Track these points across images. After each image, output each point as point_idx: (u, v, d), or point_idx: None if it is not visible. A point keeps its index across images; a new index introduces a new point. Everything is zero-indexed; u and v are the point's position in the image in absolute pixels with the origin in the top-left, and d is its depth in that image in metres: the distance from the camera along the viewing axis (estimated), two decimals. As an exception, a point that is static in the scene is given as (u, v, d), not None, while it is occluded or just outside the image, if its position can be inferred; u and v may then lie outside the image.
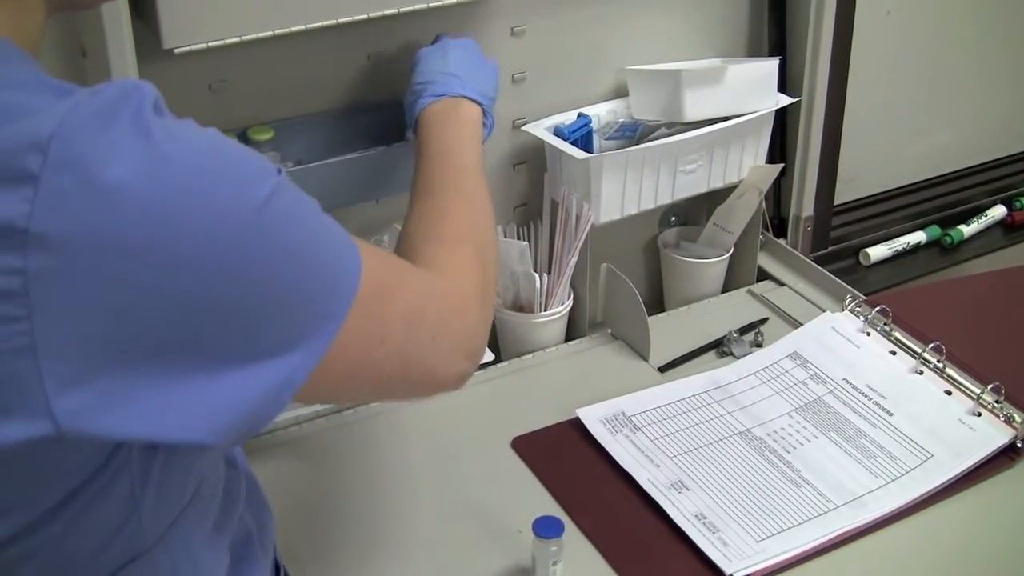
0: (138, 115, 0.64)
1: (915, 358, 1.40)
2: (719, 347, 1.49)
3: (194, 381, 0.67)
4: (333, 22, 1.22)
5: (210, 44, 1.16)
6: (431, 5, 1.27)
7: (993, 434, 1.27)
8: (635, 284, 1.46)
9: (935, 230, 1.99)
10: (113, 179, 0.62)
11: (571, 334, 1.55)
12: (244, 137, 1.31)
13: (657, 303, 1.73)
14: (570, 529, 1.15)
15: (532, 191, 1.58)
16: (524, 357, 1.47)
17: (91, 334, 0.63)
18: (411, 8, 1.27)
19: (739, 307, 1.61)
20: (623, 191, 1.48)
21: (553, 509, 1.19)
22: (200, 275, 0.66)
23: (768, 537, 1.15)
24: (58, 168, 0.61)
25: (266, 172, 0.71)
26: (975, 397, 1.32)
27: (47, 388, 0.62)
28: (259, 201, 0.69)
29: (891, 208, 2.02)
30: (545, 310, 1.48)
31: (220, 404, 0.69)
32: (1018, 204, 2.09)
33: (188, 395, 0.67)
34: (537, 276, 1.47)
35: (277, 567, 1.02)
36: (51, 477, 0.69)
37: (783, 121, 1.71)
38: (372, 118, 1.40)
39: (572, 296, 1.52)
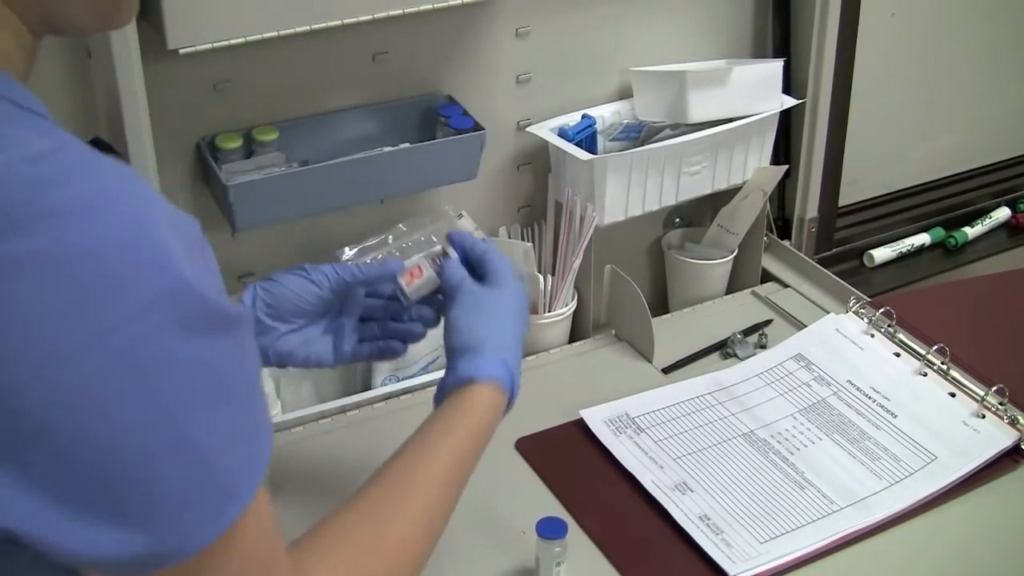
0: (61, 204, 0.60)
1: (919, 360, 1.40)
2: (723, 349, 1.49)
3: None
4: (338, 23, 1.22)
5: (215, 44, 1.16)
6: (436, 6, 1.27)
7: (997, 436, 1.27)
8: (639, 285, 1.46)
9: (939, 232, 1.99)
10: (18, 254, 0.59)
11: (575, 335, 1.55)
12: (249, 137, 1.31)
13: (661, 304, 1.73)
14: (574, 530, 1.15)
15: (536, 192, 1.58)
16: (528, 358, 1.47)
17: None
18: (416, 9, 1.27)
19: (743, 309, 1.61)
20: (627, 192, 1.48)
21: (557, 510, 1.19)
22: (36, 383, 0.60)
23: (772, 539, 1.15)
24: None
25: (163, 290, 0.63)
26: (979, 399, 1.32)
27: None
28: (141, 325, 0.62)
29: (895, 210, 2.02)
30: (549, 311, 1.48)
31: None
32: (1022, 206, 2.09)
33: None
34: (541, 277, 1.47)
35: None
36: None
37: (787, 123, 1.71)
38: (377, 119, 1.40)
39: (576, 297, 1.52)
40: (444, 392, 0.99)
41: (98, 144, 0.78)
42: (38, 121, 0.67)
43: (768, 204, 1.64)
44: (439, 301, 1.09)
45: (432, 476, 0.90)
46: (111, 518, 0.62)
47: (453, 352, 1.00)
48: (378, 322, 1.13)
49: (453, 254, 1.07)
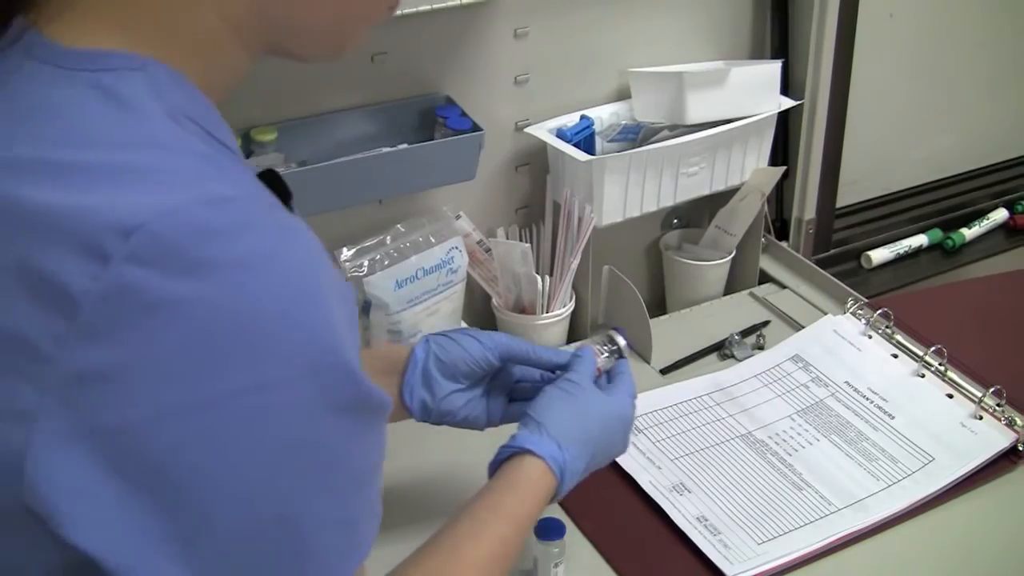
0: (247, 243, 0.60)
1: (917, 361, 1.40)
2: (721, 350, 1.49)
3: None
4: (336, 23, 1.22)
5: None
6: (435, 7, 1.28)
7: (994, 437, 1.27)
8: (637, 286, 1.46)
9: (937, 233, 1.99)
10: (175, 295, 0.58)
11: (573, 336, 1.55)
12: (248, 138, 1.31)
13: (659, 305, 1.73)
14: (572, 531, 1.15)
15: (534, 193, 1.58)
16: (526, 359, 1.47)
17: (95, 432, 0.59)
18: (415, 9, 1.27)
19: (741, 309, 1.61)
20: (625, 193, 1.48)
21: (555, 511, 1.18)
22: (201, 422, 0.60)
23: (769, 540, 1.15)
24: (132, 261, 0.58)
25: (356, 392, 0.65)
26: (977, 400, 1.32)
27: (28, 455, 0.59)
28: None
29: (893, 211, 2.02)
30: (547, 312, 1.48)
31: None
32: (1020, 208, 2.09)
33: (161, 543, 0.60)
34: (539, 278, 1.47)
35: None
36: None
37: (785, 124, 1.72)
38: (375, 119, 1.40)
39: (574, 298, 1.52)
40: (499, 457, 0.99)
41: (267, 177, 0.78)
42: (225, 156, 0.67)
43: (766, 205, 1.64)
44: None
45: (478, 558, 0.90)
46: (183, 565, 0.60)
47: (524, 420, 1.01)
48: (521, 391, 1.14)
49: (624, 351, 1.12)
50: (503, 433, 1.02)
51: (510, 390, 1.13)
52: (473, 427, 1.11)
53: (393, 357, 1.09)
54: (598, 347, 1.12)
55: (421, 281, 1.38)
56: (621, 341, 1.12)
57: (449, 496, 1.22)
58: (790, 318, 1.57)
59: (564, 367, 1.09)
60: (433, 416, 1.08)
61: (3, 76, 0.67)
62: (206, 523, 0.60)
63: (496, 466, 0.98)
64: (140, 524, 0.59)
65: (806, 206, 1.78)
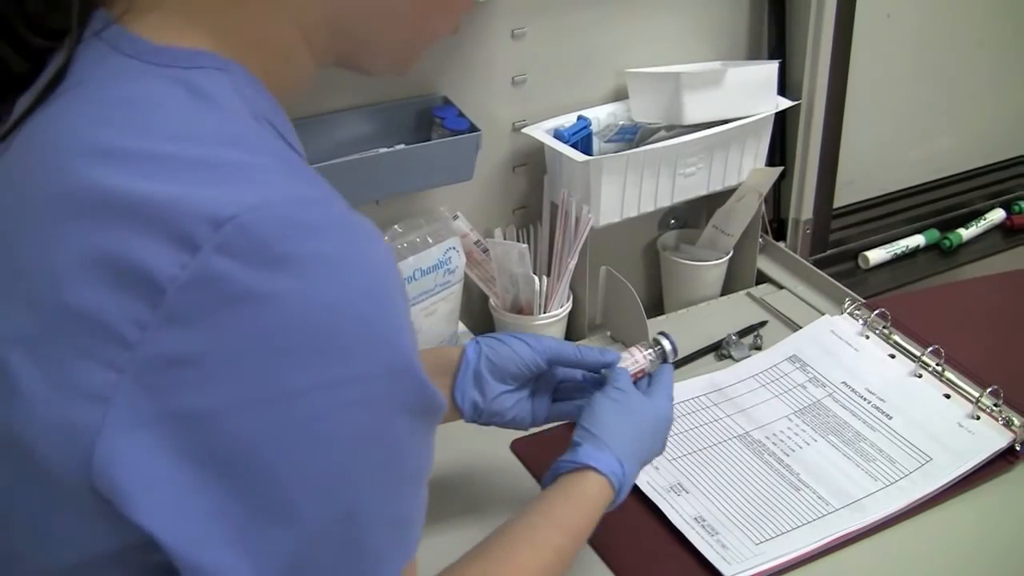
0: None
1: (914, 361, 1.40)
2: (718, 350, 1.49)
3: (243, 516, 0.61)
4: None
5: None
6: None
7: (992, 437, 1.27)
8: (634, 286, 1.46)
9: (934, 234, 1.99)
10: (261, 288, 0.59)
11: (570, 336, 1.55)
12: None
13: (656, 306, 1.73)
14: (569, 531, 1.15)
15: (532, 193, 1.58)
16: (523, 359, 1.47)
17: (171, 417, 0.60)
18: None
19: (738, 310, 1.61)
20: (623, 194, 1.48)
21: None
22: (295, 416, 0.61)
23: (767, 540, 1.15)
24: (221, 252, 0.59)
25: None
26: (974, 400, 1.32)
27: (101, 436, 0.60)
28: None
29: (890, 211, 2.02)
30: (544, 312, 1.48)
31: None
32: (1017, 208, 2.09)
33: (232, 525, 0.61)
34: (536, 278, 1.47)
35: None
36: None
37: (783, 124, 1.72)
38: (373, 120, 1.40)
39: (571, 298, 1.52)
40: (558, 470, 1.00)
41: None
42: (296, 159, 0.68)
43: (763, 205, 1.64)
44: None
45: (533, 566, 0.91)
46: (244, 553, 0.61)
47: (582, 435, 1.02)
48: (563, 390, 1.16)
49: (671, 356, 1.15)
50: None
51: (553, 390, 1.15)
52: (519, 427, 1.13)
53: (444, 358, 1.10)
54: (644, 350, 1.15)
55: (419, 282, 1.38)
56: (668, 345, 1.15)
57: (450, 497, 1.22)
58: (787, 318, 1.57)
59: (610, 365, 1.11)
60: (483, 417, 1.10)
61: (88, 68, 0.68)
62: (274, 514, 0.61)
63: (553, 478, 1.00)
64: (208, 510, 0.60)
65: (803, 206, 1.78)
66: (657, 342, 1.15)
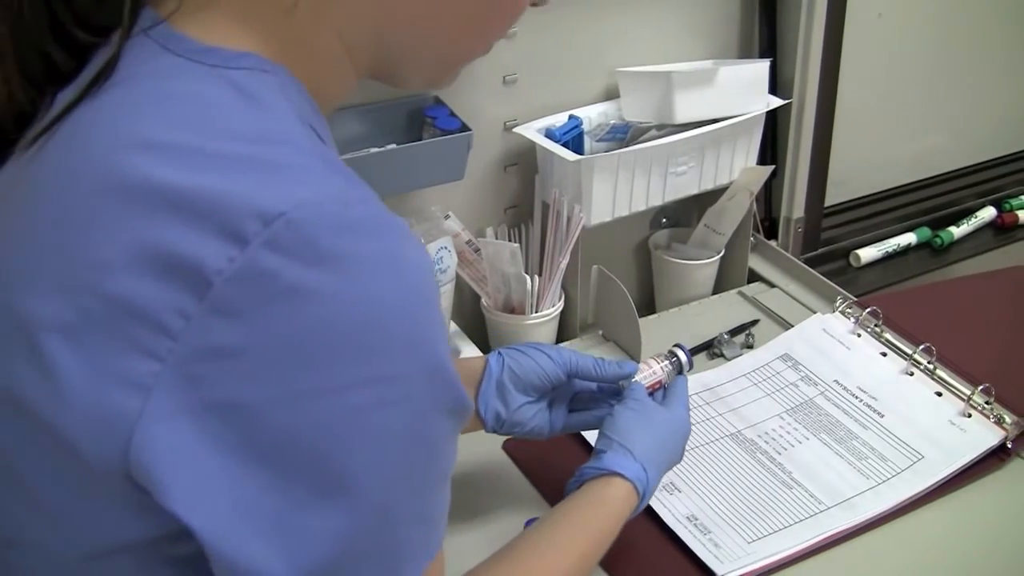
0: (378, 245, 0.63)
1: (906, 359, 1.40)
2: (710, 349, 1.50)
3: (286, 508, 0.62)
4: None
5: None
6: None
7: (983, 435, 1.27)
8: (626, 286, 1.46)
9: (925, 232, 1.99)
10: (308, 284, 0.60)
11: (562, 336, 1.55)
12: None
13: (648, 305, 1.73)
14: (561, 531, 1.15)
15: (523, 193, 1.58)
16: (515, 359, 1.47)
17: (212, 407, 0.60)
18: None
19: (730, 309, 1.61)
20: (614, 193, 1.48)
21: (545, 510, 1.18)
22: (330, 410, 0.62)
23: (759, 538, 1.15)
24: (270, 247, 0.59)
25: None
26: (965, 398, 1.32)
27: (140, 424, 0.60)
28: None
29: (881, 210, 2.03)
30: (536, 312, 1.48)
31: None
32: (1008, 206, 2.09)
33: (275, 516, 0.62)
34: (528, 278, 1.47)
35: None
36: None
37: (774, 123, 1.72)
38: (364, 120, 1.40)
39: (563, 298, 1.52)
40: (584, 476, 1.03)
41: None
42: (339, 161, 0.69)
43: (755, 204, 1.64)
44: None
45: (559, 569, 0.93)
46: (279, 546, 0.62)
47: (606, 443, 1.05)
48: (577, 400, 1.18)
49: (686, 367, 1.19)
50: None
51: (570, 401, 1.17)
52: (537, 437, 1.14)
53: (467, 368, 1.11)
54: (660, 361, 1.17)
55: (410, 281, 1.38)
56: (683, 357, 1.18)
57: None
58: (779, 317, 1.57)
59: (628, 377, 1.14)
60: (504, 427, 1.11)
61: (136, 64, 0.69)
62: (311, 508, 0.62)
63: (579, 483, 1.03)
64: (245, 501, 0.61)
65: (795, 205, 1.79)
66: (673, 354, 1.18)
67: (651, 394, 1.14)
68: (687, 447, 1.26)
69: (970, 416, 1.30)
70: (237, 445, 0.60)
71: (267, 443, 0.61)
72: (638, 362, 1.43)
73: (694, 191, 1.59)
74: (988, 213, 2.06)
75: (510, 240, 1.54)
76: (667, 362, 1.17)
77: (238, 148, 0.63)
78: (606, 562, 1.12)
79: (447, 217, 1.48)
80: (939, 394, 1.35)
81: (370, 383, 0.62)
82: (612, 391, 1.15)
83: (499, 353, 1.12)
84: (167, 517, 0.61)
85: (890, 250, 1.94)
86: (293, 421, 0.61)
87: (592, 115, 1.57)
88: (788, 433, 1.31)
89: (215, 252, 0.59)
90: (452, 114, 1.41)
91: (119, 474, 0.61)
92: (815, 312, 1.54)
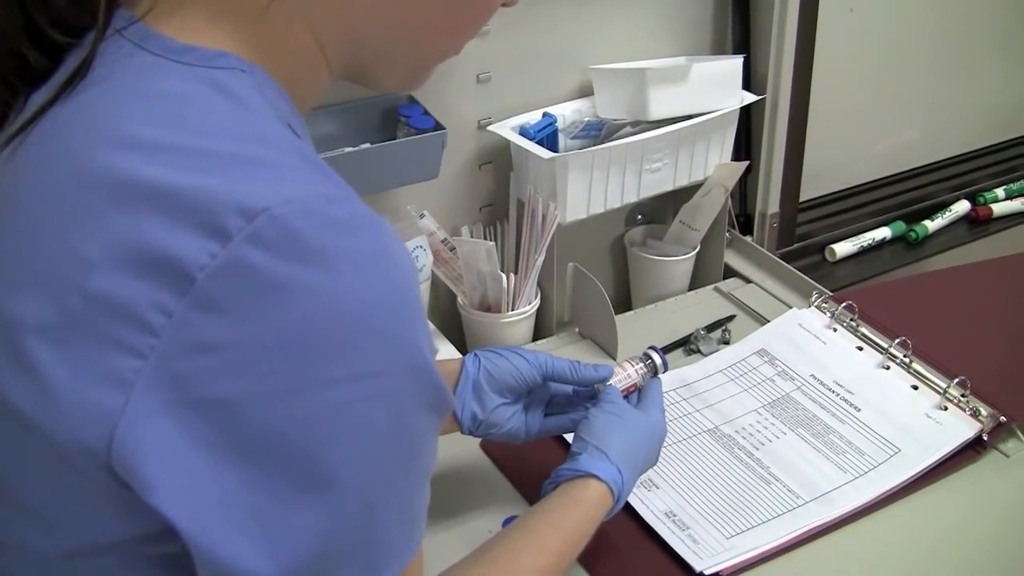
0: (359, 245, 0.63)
1: (882, 353, 1.40)
2: (686, 345, 1.50)
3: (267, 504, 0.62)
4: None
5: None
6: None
7: (960, 428, 1.28)
8: (602, 283, 1.46)
9: (900, 226, 2.00)
10: (291, 280, 0.60)
11: (538, 333, 1.55)
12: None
13: (624, 302, 1.73)
14: (540, 529, 1.14)
15: (498, 191, 1.58)
16: (492, 357, 1.47)
17: (195, 403, 0.60)
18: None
19: (706, 304, 1.61)
20: (589, 190, 1.48)
21: (523, 509, 1.18)
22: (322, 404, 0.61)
23: (737, 534, 1.15)
24: (253, 242, 0.59)
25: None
26: (941, 391, 1.32)
27: (122, 420, 0.60)
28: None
29: (856, 204, 2.03)
30: (512, 310, 1.48)
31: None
32: (982, 199, 2.10)
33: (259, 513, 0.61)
34: (504, 276, 1.46)
35: None
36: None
37: (748, 119, 1.72)
38: (338, 119, 1.39)
39: (539, 295, 1.52)
40: (559, 478, 1.03)
41: None
42: (320, 160, 0.69)
43: (729, 200, 1.64)
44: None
45: (536, 569, 0.94)
46: (262, 541, 0.61)
47: (581, 445, 1.05)
48: (553, 404, 1.18)
49: (661, 369, 1.18)
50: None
51: (545, 404, 1.17)
52: (513, 440, 1.14)
53: (444, 370, 1.10)
54: (635, 364, 1.17)
55: (385, 281, 1.38)
56: (658, 360, 1.17)
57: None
58: (755, 312, 1.57)
59: (603, 380, 1.14)
60: (480, 429, 1.11)
61: (112, 64, 0.69)
62: (294, 504, 0.61)
63: (554, 485, 1.03)
64: (228, 497, 0.60)
65: (769, 200, 1.79)
66: (648, 356, 1.17)
67: (626, 397, 1.14)
68: (665, 443, 1.26)
69: (946, 409, 1.31)
70: (220, 441, 0.60)
71: (250, 439, 0.60)
72: (615, 358, 1.44)
73: (669, 188, 1.59)
74: (962, 207, 2.07)
75: (485, 238, 1.54)
76: (642, 365, 1.17)
77: (220, 146, 0.63)
78: (585, 559, 1.12)
79: (422, 216, 1.47)
80: (915, 387, 1.35)
81: (353, 379, 0.62)
82: (587, 395, 1.15)
83: (475, 355, 1.12)
84: (151, 515, 0.60)
85: (865, 244, 1.95)
86: (276, 417, 0.60)
87: (566, 112, 1.57)
88: (765, 428, 1.31)
89: (197, 248, 0.59)
90: (426, 113, 1.40)
91: (103, 472, 0.61)
92: (791, 307, 1.54)
